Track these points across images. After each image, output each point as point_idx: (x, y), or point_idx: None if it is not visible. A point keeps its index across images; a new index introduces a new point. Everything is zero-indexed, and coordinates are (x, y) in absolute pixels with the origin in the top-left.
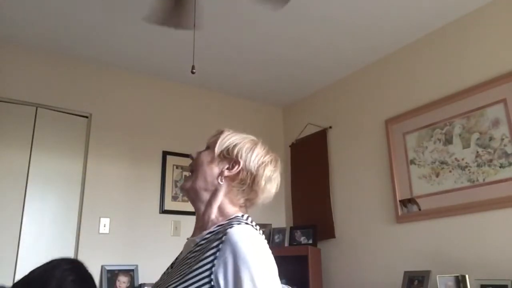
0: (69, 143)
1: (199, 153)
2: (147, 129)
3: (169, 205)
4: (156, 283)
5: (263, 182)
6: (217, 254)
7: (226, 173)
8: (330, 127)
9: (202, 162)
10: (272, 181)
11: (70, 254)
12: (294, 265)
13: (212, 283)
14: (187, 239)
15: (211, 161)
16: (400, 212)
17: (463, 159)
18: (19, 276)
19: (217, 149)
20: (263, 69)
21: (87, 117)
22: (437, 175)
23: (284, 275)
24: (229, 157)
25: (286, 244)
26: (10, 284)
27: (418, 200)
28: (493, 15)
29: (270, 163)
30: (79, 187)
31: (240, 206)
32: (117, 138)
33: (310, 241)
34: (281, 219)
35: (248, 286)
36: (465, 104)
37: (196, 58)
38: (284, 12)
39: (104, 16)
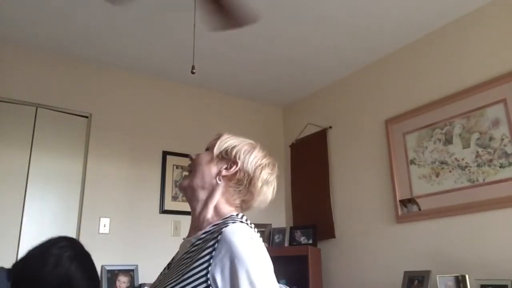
0: (69, 143)
1: (199, 154)
2: (147, 129)
3: (169, 205)
4: (153, 284)
5: (259, 184)
6: (213, 253)
7: (224, 172)
8: (330, 127)
9: (201, 161)
10: (268, 184)
11: None
12: (294, 265)
13: (209, 282)
14: (183, 239)
15: (210, 161)
16: (400, 212)
17: (463, 159)
18: None
19: (216, 150)
20: (263, 69)
21: (87, 117)
22: (437, 175)
23: (284, 275)
24: (227, 157)
25: (286, 244)
26: None
27: (418, 200)
28: (493, 15)
29: (267, 166)
30: (79, 187)
31: (236, 207)
32: (117, 138)
33: (310, 241)
34: (281, 219)
35: (245, 284)
36: (465, 104)
37: (196, 58)
38: (284, 12)
39: (104, 16)
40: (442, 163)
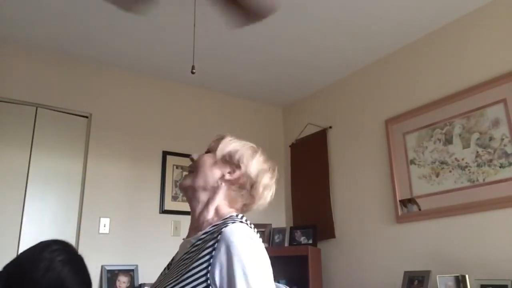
0: (69, 143)
1: (201, 155)
2: (147, 129)
3: (169, 205)
4: (154, 284)
5: (261, 189)
6: (213, 253)
7: (228, 177)
8: (330, 127)
9: (204, 164)
10: (269, 188)
11: None
12: (294, 265)
13: (209, 282)
14: (183, 239)
15: (213, 164)
16: (400, 212)
17: (463, 159)
18: None
19: (219, 153)
20: (263, 69)
21: (87, 117)
22: (437, 175)
23: (284, 275)
24: (231, 161)
25: (286, 244)
26: None
27: (418, 200)
28: (493, 15)
29: (268, 171)
30: (79, 187)
31: (236, 209)
32: (117, 138)
33: (310, 241)
34: (281, 219)
35: (241, 282)
36: (465, 104)
37: (196, 58)
38: (284, 12)
39: (104, 16)
40: (442, 163)
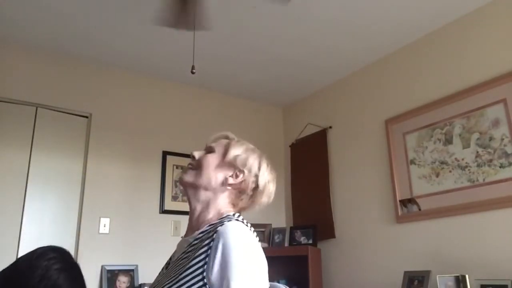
0: (69, 143)
1: (205, 155)
2: (147, 129)
3: (169, 205)
4: (152, 284)
5: (265, 198)
6: (208, 252)
7: (231, 180)
8: (330, 127)
9: (209, 165)
10: (270, 196)
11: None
12: (294, 265)
13: (205, 280)
14: (181, 237)
15: (218, 166)
16: (400, 212)
17: (463, 159)
18: None
19: (227, 157)
20: (263, 69)
21: (87, 117)
22: (437, 175)
23: (284, 275)
24: (235, 165)
25: (286, 244)
26: None
27: (418, 200)
28: (493, 15)
29: (273, 181)
30: (79, 187)
31: (235, 210)
32: (117, 138)
33: (310, 241)
34: (281, 219)
35: (234, 280)
36: (465, 104)
37: (196, 58)
38: (284, 12)
39: (104, 16)
40: (442, 163)
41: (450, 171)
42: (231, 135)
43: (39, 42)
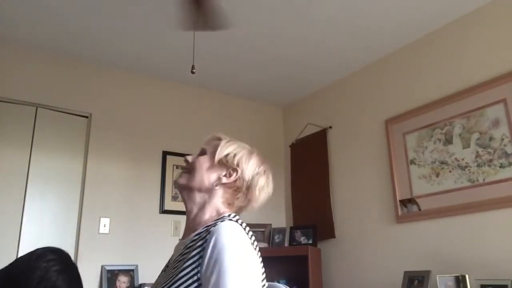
0: (69, 143)
1: (198, 157)
2: (147, 129)
3: (169, 205)
4: (152, 286)
5: (257, 192)
6: (201, 253)
7: (224, 180)
8: (330, 127)
9: (201, 167)
10: (264, 190)
11: (70, 254)
12: (294, 265)
13: (200, 281)
14: (179, 239)
15: (210, 167)
16: (400, 212)
17: (463, 159)
18: None
19: (217, 156)
20: (263, 69)
21: (87, 117)
22: (437, 175)
23: (284, 275)
24: (227, 164)
25: (286, 244)
26: None
27: (418, 200)
28: (493, 15)
29: (264, 174)
30: (79, 187)
31: (232, 211)
32: (117, 138)
33: (310, 241)
34: (281, 219)
35: (223, 279)
36: (465, 104)
37: (196, 58)
38: (284, 12)
39: (104, 16)
40: (442, 163)
41: (450, 171)
42: (223, 136)
43: (39, 42)
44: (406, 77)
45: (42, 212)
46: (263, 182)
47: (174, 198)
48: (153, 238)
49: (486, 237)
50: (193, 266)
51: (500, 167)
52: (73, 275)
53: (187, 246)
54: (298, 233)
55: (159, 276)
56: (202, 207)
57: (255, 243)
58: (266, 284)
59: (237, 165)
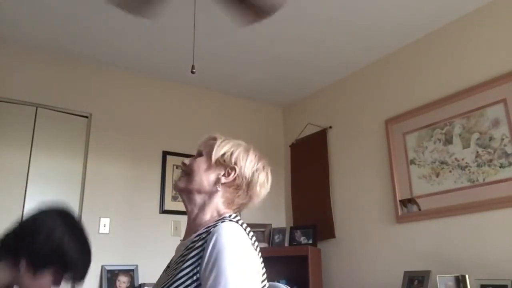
0: (69, 143)
1: (194, 159)
2: (147, 129)
3: (169, 205)
4: (153, 287)
5: (258, 188)
6: (201, 253)
7: (223, 180)
8: (330, 127)
9: (199, 169)
10: (264, 185)
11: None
12: (294, 265)
13: (199, 281)
14: (180, 240)
15: (208, 168)
16: (400, 212)
17: (463, 159)
18: None
19: (213, 157)
20: (263, 69)
21: (87, 117)
22: (437, 175)
23: (284, 275)
24: (225, 164)
25: (286, 244)
26: None
27: (418, 200)
28: (493, 15)
29: (263, 169)
30: (79, 187)
31: (233, 210)
32: (117, 138)
33: (310, 241)
34: (281, 219)
35: (220, 278)
36: (465, 104)
37: (196, 58)
38: (284, 12)
39: (104, 16)
40: (442, 163)
41: (450, 171)
42: (218, 135)
43: (39, 42)
44: (406, 77)
45: None
46: (263, 178)
47: (174, 198)
48: (153, 238)
49: (486, 237)
50: (193, 266)
51: (500, 167)
52: (79, 235)
53: (188, 247)
54: (298, 233)
55: (160, 277)
56: (203, 208)
57: (256, 243)
58: (267, 285)
59: (235, 163)
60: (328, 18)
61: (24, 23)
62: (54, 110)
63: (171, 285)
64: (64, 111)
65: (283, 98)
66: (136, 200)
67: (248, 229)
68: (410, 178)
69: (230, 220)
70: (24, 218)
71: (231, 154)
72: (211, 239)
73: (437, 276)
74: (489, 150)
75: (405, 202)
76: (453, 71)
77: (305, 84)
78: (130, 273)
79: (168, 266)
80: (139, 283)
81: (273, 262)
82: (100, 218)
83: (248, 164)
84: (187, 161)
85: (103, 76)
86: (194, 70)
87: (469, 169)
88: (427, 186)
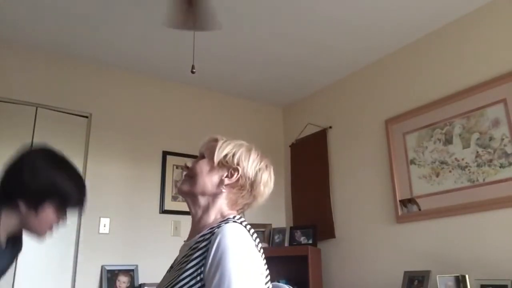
0: (69, 143)
1: (197, 161)
2: (147, 129)
3: (169, 205)
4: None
5: (262, 187)
6: (205, 254)
7: (226, 181)
8: (330, 127)
9: (201, 171)
10: (268, 184)
11: (70, 254)
12: (294, 265)
13: (203, 282)
14: (184, 241)
15: (210, 170)
16: (400, 212)
17: (463, 159)
18: (18, 278)
19: (215, 159)
20: (263, 69)
21: (87, 117)
22: (437, 175)
23: (284, 275)
24: (228, 165)
25: (286, 244)
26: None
27: (418, 200)
28: (493, 15)
29: (266, 169)
30: None
31: (238, 211)
32: (117, 138)
33: (310, 241)
34: (281, 219)
35: (224, 279)
36: (465, 104)
37: (196, 58)
38: (284, 12)
39: (104, 16)
40: (442, 163)
41: (450, 171)
42: (219, 137)
43: (39, 42)
44: (406, 77)
45: None
46: (267, 177)
47: (174, 198)
48: (153, 238)
49: (486, 237)
50: (197, 267)
51: (500, 167)
52: (67, 168)
53: (191, 248)
54: (298, 233)
55: (163, 277)
56: (207, 210)
57: (260, 245)
58: (270, 286)
59: (237, 164)
60: (328, 18)
61: (24, 23)
62: (54, 110)
63: (174, 285)
64: (64, 111)
65: (283, 98)
66: (136, 200)
67: (252, 230)
68: (410, 178)
69: (234, 221)
70: (6, 166)
71: (233, 155)
72: (215, 239)
73: (437, 276)
74: (489, 150)
75: (405, 202)
76: (453, 71)
77: (305, 84)
78: (130, 273)
79: (171, 267)
80: (139, 283)
81: (273, 262)
82: (100, 218)
83: (251, 164)
84: (190, 164)
85: (103, 76)
86: (194, 70)
87: (469, 169)
88: (427, 186)
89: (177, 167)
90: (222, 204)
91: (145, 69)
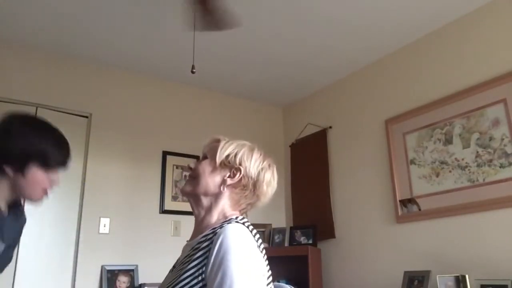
0: (69, 143)
1: (199, 162)
2: (147, 129)
3: (169, 205)
4: (159, 287)
5: (265, 187)
6: (207, 254)
7: (229, 181)
8: (330, 127)
9: (204, 172)
10: (271, 184)
11: (70, 254)
12: (294, 265)
13: (204, 282)
14: (187, 241)
15: (213, 170)
16: (400, 212)
17: (463, 159)
18: (18, 278)
19: (218, 159)
20: (263, 69)
21: (87, 117)
22: (437, 175)
23: (284, 275)
24: (230, 165)
25: (286, 244)
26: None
27: (418, 200)
28: (493, 15)
29: (269, 168)
30: (79, 187)
31: (240, 211)
32: (117, 138)
33: (310, 241)
34: (281, 219)
35: (226, 280)
36: (465, 104)
37: (196, 58)
38: (284, 12)
39: (104, 16)
40: (442, 163)
41: (450, 171)
42: (221, 137)
43: (39, 42)
44: (406, 77)
45: (42, 212)
46: (269, 177)
47: (174, 198)
48: (153, 238)
49: (486, 237)
50: (198, 266)
51: (500, 167)
52: (39, 125)
53: (194, 248)
54: (298, 233)
55: (165, 277)
56: (209, 210)
57: (262, 245)
58: (272, 286)
59: (240, 164)
60: (328, 18)
61: (24, 23)
62: (54, 110)
63: (176, 285)
64: (64, 111)
65: (283, 98)
66: (136, 200)
67: (255, 231)
68: (410, 178)
69: (236, 222)
70: None
71: (235, 155)
72: (217, 240)
73: (437, 276)
74: (489, 150)
75: (405, 202)
76: (453, 71)
77: (305, 84)
78: (130, 273)
79: (174, 267)
80: (139, 283)
81: (273, 262)
82: (100, 218)
83: (253, 163)
84: (192, 164)
85: (103, 76)
86: (194, 70)
87: (469, 169)
88: (427, 186)
89: (177, 167)
90: (224, 205)
91: (145, 69)
